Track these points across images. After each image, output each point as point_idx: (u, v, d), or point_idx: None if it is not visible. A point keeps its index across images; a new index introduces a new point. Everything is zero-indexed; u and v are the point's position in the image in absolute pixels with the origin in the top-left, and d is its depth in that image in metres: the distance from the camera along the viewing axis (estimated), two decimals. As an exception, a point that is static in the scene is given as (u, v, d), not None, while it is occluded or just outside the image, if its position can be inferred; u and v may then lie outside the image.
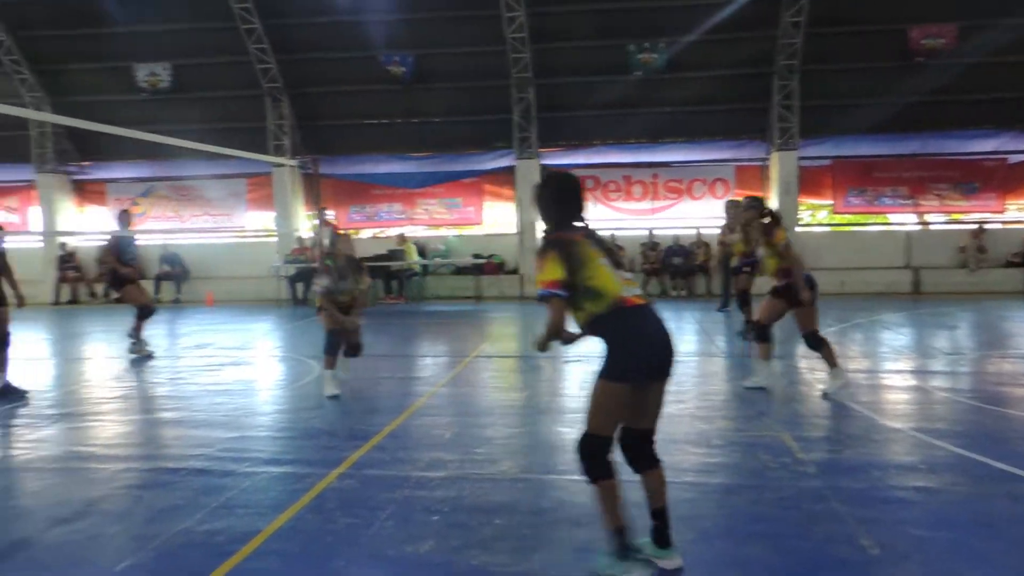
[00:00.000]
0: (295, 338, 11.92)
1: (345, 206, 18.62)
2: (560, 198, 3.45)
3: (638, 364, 3.18)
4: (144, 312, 9.81)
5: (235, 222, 18.88)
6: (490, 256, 17.70)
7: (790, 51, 16.19)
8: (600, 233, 3.48)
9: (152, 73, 17.59)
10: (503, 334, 12.08)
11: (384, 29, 16.66)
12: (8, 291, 7.46)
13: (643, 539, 3.44)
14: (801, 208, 17.74)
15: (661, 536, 3.39)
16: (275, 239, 18.34)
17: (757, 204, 7.16)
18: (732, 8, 15.57)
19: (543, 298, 3.25)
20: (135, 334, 9.78)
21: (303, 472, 4.87)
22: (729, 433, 5.65)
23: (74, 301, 18.28)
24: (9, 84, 17.67)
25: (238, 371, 8.95)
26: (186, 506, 4.30)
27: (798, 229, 17.34)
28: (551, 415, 6.39)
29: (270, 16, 16.73)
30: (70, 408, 7.12)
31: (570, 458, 4.78)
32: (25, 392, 7.40)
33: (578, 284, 3.22)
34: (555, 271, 3.22)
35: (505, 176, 18.00)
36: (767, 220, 6.90)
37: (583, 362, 7.94)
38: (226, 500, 4.38)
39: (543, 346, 3.34)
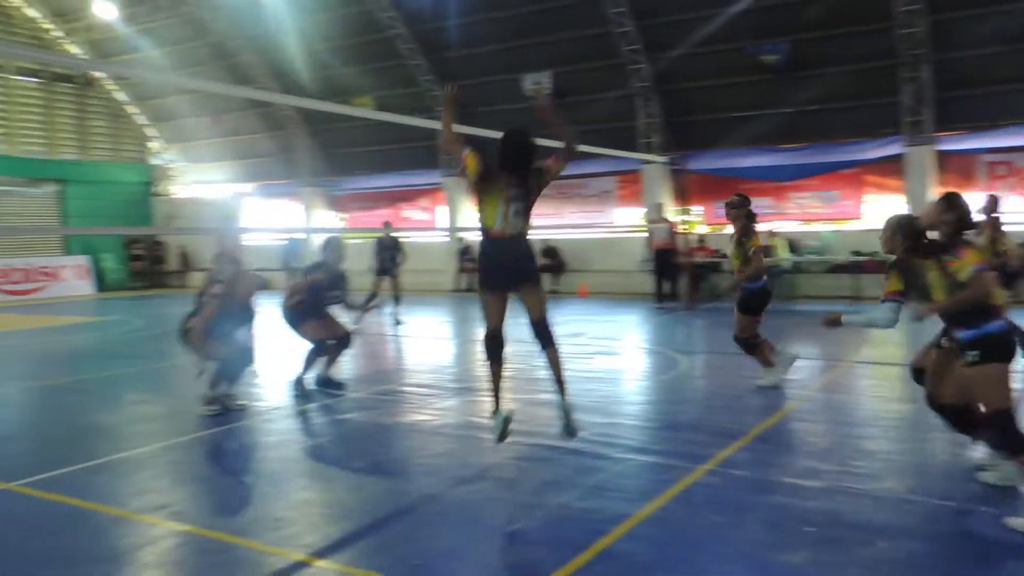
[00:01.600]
0: (661, 332, 12.16)
1: (711, 201, 18.44)
2: (499, 148, 4.73)
3: (482, 278, 4.78)
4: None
5: (606, 218, 19.85)
6: (872, 253, 16.16)
7: None
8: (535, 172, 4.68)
9: (536, 82, 19.16)
10: (887, 338, 10.92)
11: (755, 18, 16.11)
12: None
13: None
14: None
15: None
16: (643, 235, 18.86)
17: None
18: None
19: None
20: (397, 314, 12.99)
21: (670, 464, 4.96)
22: None
23: (471, 289, 20.79)
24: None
25: (608, 360, 9.41)
26: (564, 482, 4.64)
27: None
28: (949, 432, 5.63)
29: (642, 17, 17.20)
30: (467, 383, 8.13)
31: (977, 488, 4.22)
32: (342, 384, 7.48)
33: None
34: (472, 166, 4.69)
35: (891, 165, 16.28)
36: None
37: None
38: (599, 481, 4.64)
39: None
